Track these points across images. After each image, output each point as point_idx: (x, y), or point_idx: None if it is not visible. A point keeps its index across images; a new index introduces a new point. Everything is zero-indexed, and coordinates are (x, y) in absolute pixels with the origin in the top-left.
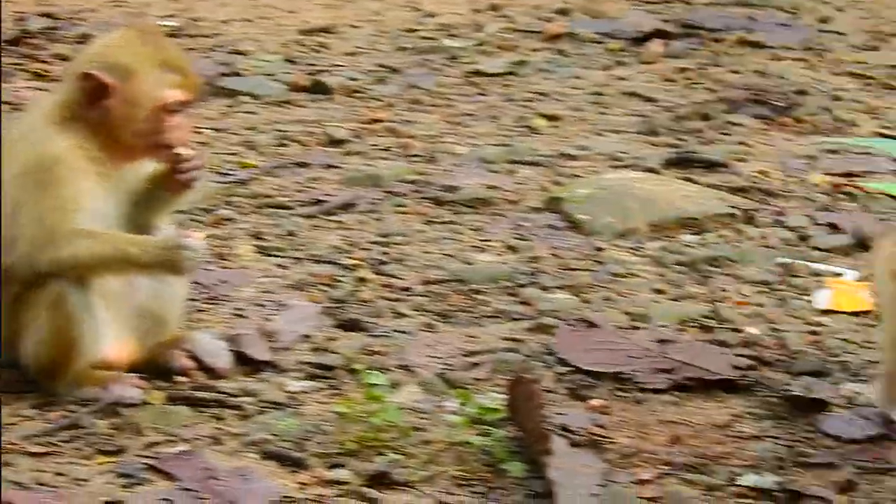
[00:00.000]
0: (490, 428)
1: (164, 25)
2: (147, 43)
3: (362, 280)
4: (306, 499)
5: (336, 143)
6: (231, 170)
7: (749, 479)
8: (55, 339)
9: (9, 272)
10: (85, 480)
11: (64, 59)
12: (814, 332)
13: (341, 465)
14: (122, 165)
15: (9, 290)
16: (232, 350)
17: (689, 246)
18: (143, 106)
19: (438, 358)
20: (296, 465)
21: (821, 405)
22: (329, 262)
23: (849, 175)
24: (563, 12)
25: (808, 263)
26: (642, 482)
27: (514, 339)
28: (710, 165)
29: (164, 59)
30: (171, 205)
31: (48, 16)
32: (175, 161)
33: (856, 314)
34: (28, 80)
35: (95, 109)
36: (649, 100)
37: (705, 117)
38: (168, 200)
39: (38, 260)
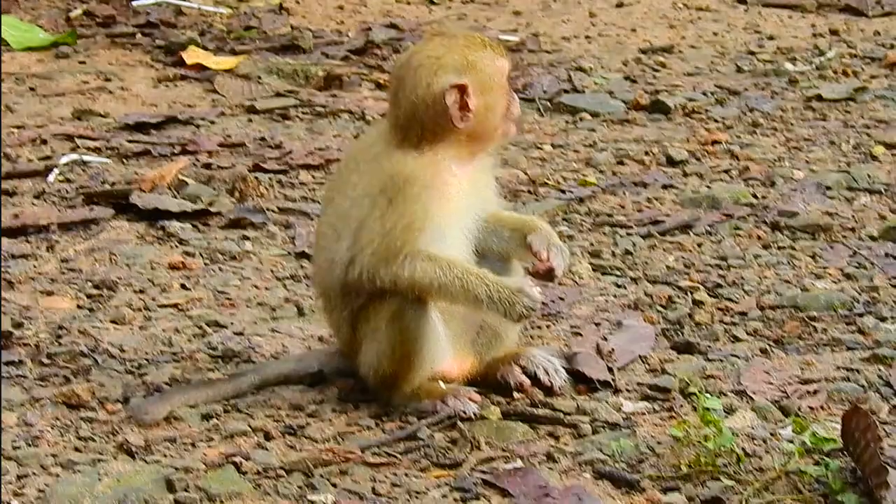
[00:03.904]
0: (825, 458)
1: (506, 40)
2: (458, 37)
3: (698, 302)
4: None
5: (674, 163)
6: (571, 187)
7: None
8: (394, 352)
9: (352, 285)
10: (420, 493)
11: None
12: None
13: (675, 489)
14: (473, 161)
15: (352, 302)
16: (568, 368)
17: None
18: (497, 89)
19: (773, 384)
20: (630, 486)
21: None
22: (665, 283)
23: None
24: None
25: None
26: None
27: (849, 369)
28: None
29: (479, 43)
30: (523, 264)
31: (393, 27)
32: (542, 267)
33: None
34: (371, 90)
35: (464, 116)
36: None
37: None
38: (523, 266)
39: (378, 274)
